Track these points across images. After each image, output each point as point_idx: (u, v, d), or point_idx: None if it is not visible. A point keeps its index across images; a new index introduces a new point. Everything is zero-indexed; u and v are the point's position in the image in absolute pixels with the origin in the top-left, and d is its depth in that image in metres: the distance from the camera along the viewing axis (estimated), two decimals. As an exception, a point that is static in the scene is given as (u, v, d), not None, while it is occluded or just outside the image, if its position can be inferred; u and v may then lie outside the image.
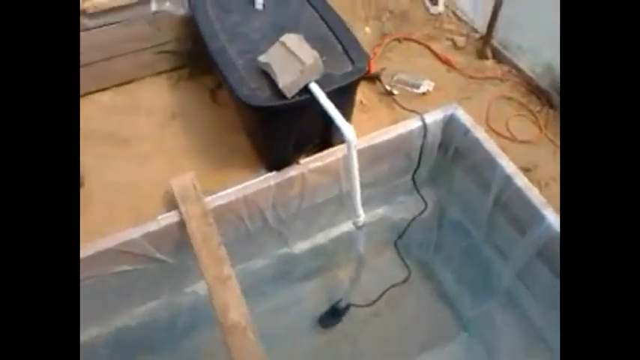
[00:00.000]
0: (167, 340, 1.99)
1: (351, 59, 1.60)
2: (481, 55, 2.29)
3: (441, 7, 2.52)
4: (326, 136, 1.76)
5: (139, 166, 1.92)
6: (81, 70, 1.98)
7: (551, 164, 1.92)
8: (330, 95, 1.53)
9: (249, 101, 1.48)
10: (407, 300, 2.25)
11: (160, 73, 2.18)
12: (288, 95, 1.47)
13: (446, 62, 2.27)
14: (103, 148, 1.96)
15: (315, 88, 1.48)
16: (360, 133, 1.99)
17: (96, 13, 1.86)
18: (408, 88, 2.16)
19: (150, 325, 1.90)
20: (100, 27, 1.91)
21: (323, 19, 1.76)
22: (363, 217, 1.60)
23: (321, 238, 2.13)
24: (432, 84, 2.17)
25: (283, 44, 1.52)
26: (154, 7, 1.94)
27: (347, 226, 2.10)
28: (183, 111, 2.08)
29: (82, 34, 1.89)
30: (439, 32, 2.44)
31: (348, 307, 2.12)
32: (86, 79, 2.04)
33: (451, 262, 2.21)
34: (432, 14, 2.51)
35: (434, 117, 1.88)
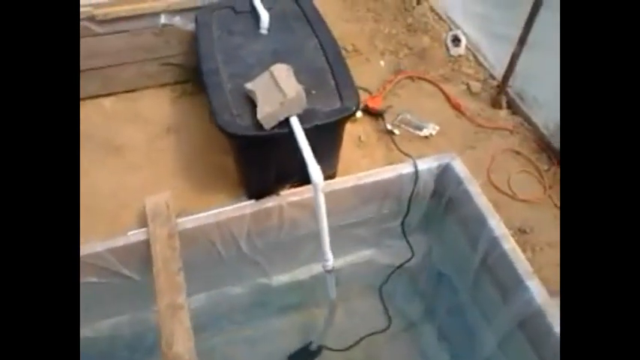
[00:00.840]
0: (130, 358, 1.94)
1: (341, 97, 1.54)
2: (495, 104, 2.19)
3: (462, 50, 2.43)
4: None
5: (126, 175, 1.91)
6: (87, 73, 2.02)
7: (550, 228, 1.79)
8: (313, 131, 1.48)
9: (226, 128, 1.44)
10: (384, 351, 2.13)
11: (164, 84, 2.18)
12: (266, 127, 1.42)
13: (456, 107, 2.18)
14: (96, 152, 1.97)
15: (294, 122, 1.43)
16: (352, 170, 1.94)
17: (106, 21, 1.89)
18: (411, 130, 2.08)
19: (113, 340, 1.86)
20: (109, 34, 1.93)
21: (324, 51, 1.71)
22: (331, 260, 1.52)
23: (301, 273, 2.05)
24: (437, 128, 2.08)
25: (271, 73, 1.48)
26: (163, 19, 1.95)
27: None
28: (179, 126, 2.07)
29: (90, 39, 1.91)
30: (456, 75, 2.35)
31: (320, 349, 2.02)
32: (91, 83, 2.07)
33: (435, 318, 2.08)
34: (451, 55, 2.43)
35: (428, 164, 1.79)
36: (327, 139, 1.60)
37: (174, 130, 2.05)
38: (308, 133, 1.47)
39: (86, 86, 2.07)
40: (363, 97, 2.20)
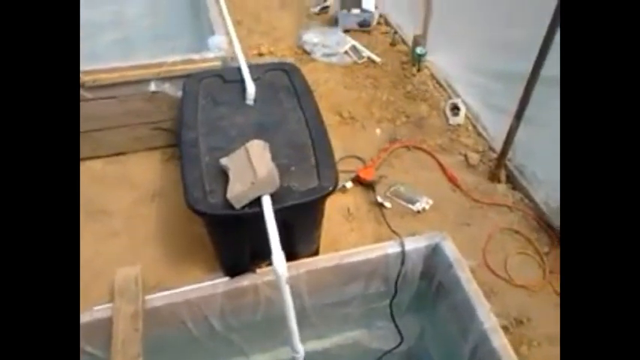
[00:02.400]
0: None
1: (319, 176, 1.48)
2: (493, 178, 2.09)
3: (461, 119, 2.38)
4: (289, 247, 1.61)
5: (104, 242, 1.85)
6: (75, 137, 2.01)
7: (549, 319, 1.64)
8: (288, 210, 1.40)
9: (194, 205, 1.38)
10: None
11: (154, 148, 2.16)
12: (236, 206, 1.36)
13: (451, 180, 2.09)
14: (90, 224, 1.92)
15: (265, 202, 1.35)
16: (339, 244, 1.85)
17: (95, 87, 1.89)
18: (403, 203, 1.99)
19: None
20: (99, 99, 1.93)
21: (308, 126, 1.66)
22: (302, 353, 1.39)
23: (283, 353, 1.91)
24: (431, 202, 1.99)
25: (246, 150, 1.43)
26: (153, 87, 1.95)
27: (313, 345, 1.89)
28: (165, 191, 2.02)
29: (80, 104, 1.91)
30: (454, 145, 2.28)
31: None
32: (81, 146, 2.06)
33: (425, 410, 1.90)
34: (450, 125, 2.37)
35: (416, 244, 1.68)
36: (304, 217, 1.52)
37: (159, 195, 2.00)
38: (283, 211, 1.40)
39: (75, 149, 2.06)
40: (356, 166, 2.15)
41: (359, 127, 2.37)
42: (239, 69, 1.88)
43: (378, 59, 2.73)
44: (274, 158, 1.50)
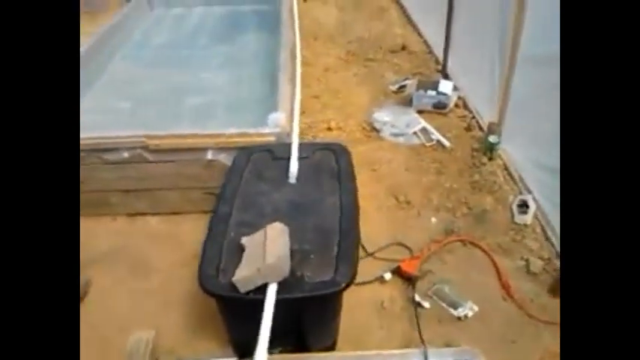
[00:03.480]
0: None
1: (336, 269, 1.40)
2: (555, 291, 1.83)
3: (529, 218, 2.15)
4: (302, 337, 1.53)
5: (136, 301, 1.91)
6: (138, 193, 2.17)
7: None
8: (296, 301, 1.33)
9: (202, 282, 1.37)
10: None
11: (207, 211, 2.23)
12: (241, 290, 1.32)
13: (505, 287, 1.87)
14: (120, 271, 2.02)
15: (270, 291, 1.30)
16: (363, 340, 1.72)
17: (157, 151, 2.04)
18: (445, 305, 1.81)
19: None
20: (159, 162, 2.07)
21: (341, 213, 1.61)
22: None
23: None
24: (476, 309, 1.79)
25: (265, 233, 1.41)
26: (209, 155, 2.05)
27: None
28: (205, 255, 2.06)
29: (142, 164, 2.07)
30: (516, 247, 2.05)
31: None
32: (141, 202, 2.21)
33: None
34: (515, 223, 2.16)
35: (440, 358, 1.49)
36: (316, 310, 1.43)
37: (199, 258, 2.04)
38: (291, 302, 1.33)
39: (136, 204, 2.22)
40: (403, 255, 2.02)
41: (414, 214, 2.25)
42: (290, 146, 1.91)
43: (447, 143, 2.63)
44: (297, 242, 1.46)
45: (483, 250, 2.04)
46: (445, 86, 2.85)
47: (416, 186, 2.39)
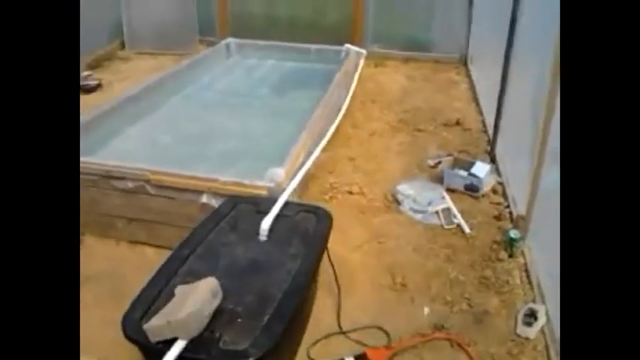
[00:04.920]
0: None
1: (255, 340, 1.30)
2: None
3: (533, 332, 1.87)
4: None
5: (103, 326, 1.90)
6: (138, 223, 2.26)
7: None
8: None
9: (123, 322, 1.36)
10: None
11: (198, 253, 2.25)
12: (151, 339, 1.28)
13: (476, 406, 1.61)
14: (102, 293, 2.07)
15: (175, 347, 1.24)
16: None
17: (157, 186, 2.11)
18: (400, 410, 1.60)
19: None
20: (159, 197, 2.15)
21: (292, 281, 1.52)
22: None
23: None
24: None
25: (196, 286, 1.37)
26: (204, 199, 2.08)
27: None
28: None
29: (144, 196, 2.16)
30: (510, 360, 1.78)
31: None
32: (140, 231, 2.29)
33: None
34: (517, 335, 1.89)
35: None
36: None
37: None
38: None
39: (138, 233, 2.30)
40: (378, 341, 1.85)
41: (406, 299, 2.06)
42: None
43: (467, 230, 2.42)
44: (233, 303, 1.42)
45: (470, 358, 1.80)
46: (479, 169, 2.67)
47: (418, 269, 2.21)
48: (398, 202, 2.65)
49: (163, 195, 2.14)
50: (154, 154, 2.75)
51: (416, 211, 2.55)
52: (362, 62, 4.31)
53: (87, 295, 2.04)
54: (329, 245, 2.23)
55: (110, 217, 2.28)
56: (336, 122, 3.10)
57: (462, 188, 2.70)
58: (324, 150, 3.04)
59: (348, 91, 3.71)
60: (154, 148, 2.85)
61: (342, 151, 3.19)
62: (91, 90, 3.96)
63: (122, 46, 5.00)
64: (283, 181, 2.08)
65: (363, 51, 4.36)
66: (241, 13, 5.20)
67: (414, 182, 2.79)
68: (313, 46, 4.39)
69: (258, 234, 1.75)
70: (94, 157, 2.41)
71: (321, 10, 5.11)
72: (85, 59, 4.45)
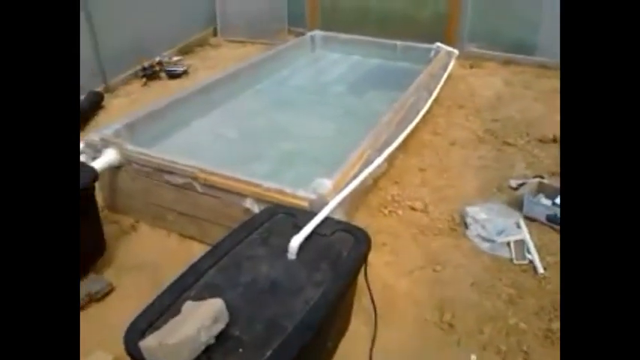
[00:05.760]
0: None
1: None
2: None
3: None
4: None
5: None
6: (189, 218, 2.25)
7: None
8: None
9: (127, 331, 1.31)
10: None
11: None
12: (146, 358, 1.21)
13: None
14: (144, 286, 2.08)
15: (163, 374, 1.16)
16: None
17: (205, 185, 2.07)
18: None
19: None
20: (206, 195, 2.10)
21: (309, 312, 1.37)
22: None
23: None
24: None
25: (200, 305, 1.28)
26: (247, 203, 2.00)
27: None
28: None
29: (192, 193, 2.13)
30: None
31: None
32: (191, 227, 2.28)
33: None
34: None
35: None
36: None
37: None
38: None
39: (188, 228, 2.30)
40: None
41: (452, 341, 1.82)
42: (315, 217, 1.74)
43: (541, 269, 2.08)
44: (240, 329, 1.31)
45: None
46: (566, 199, 2.28)
47: (473, 308, 1.94)
48: (465, 226, 2.37)
49: (210, 194, 2.09)
50: (215, 149, 2.73)
51: (484, 239, 2.25)
52: (452, 63, 3.97)
53: (128, 284, 2.08)
54: (373, 266, 2.07)
55: (162, 208, 2.30)
56: (409, 129, 2.85)
57: (543, 219, 2.34)
58: (393, 157, 2.83)
59: (430, 94, 3.42)
60: (216, 142, 2.83)
61: (414, 161, 2.95)
62: (177, 76, 4.09)
63: (215, 33, 5.13)
64: (329, 194, 1.93)
65: (455, 51, 4.02)
66: (332, 5, 5.06)
67: (488, 205, 2.48)
68: (400, 43, 4.13)
69: (287, 251, 1.62)
70: (155, 147, 2.44)
71: (416, 3, 4.80)
72: (178, 45, 4.63)
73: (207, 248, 2.23)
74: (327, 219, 1.77)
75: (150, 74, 4.03)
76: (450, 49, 4.02)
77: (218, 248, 1.65)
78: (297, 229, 1.71)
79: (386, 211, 2.48)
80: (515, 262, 2.14)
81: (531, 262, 2.13)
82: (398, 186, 2.69)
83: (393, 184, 2.69)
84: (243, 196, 2.00)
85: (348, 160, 2.18)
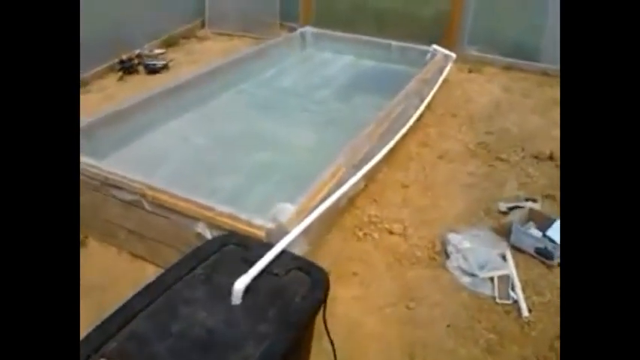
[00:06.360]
0: None
1: None
2: None
3: None
4: None
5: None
6: (138, 236, 2.05)
7: None
8: None
9: None
10: None
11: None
12: None
13: None
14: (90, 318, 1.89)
15: None
16: None
17: (153, 203, 1.86)
18: None
19: None
20: (155, 214, 1.90)
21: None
22: None
23: None
24: None
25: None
26: (198, 228, 1.79)
27: None
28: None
29: (141, 211, 1.93)
30: None
31: None
32: (140, 246, 2.08)
33: None
34: None
35: None
36: None
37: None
38: None
39: (138, 247, 2.09)
40: None
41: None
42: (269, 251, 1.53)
43: (526, 312, 1.87)
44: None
45: None
46: (557, 231, 2.07)
47: (447, 355, 1.73)
48: (446, 255, 2.16)
49: (159, 214, 1.88)
50: (180, 159, 2.51)
51: (464, 272, 2.04)
52: (449, 67, 3.73)
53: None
54: (340, 300, 1.87)
55: (112, 224, 2.09)
56: (394, 141, 2.63)
57: (531, 251, 2.12)
58: (376, 171, 2.62)
59: (422, 102, 3.19)
60: (183, 150, 2.61)
61: (398, 175, 2.73)
62: (156, 70, 3.86)
63: (203, 24, 4.89)
64: (291, 222, 1.71)
65: (452, 54, 3.78)
66: (327, 0, 4.81)
67: (472, 231, 2.26)
68: (395, 44, 3.89)
69: (231, 293, 1.41)
70: (114, 155, 2.24)
71: (415, 2, 4.54)
72: (162, 36, 4.39)
73: (159, 270, 2.05)
74: (283, 253, 1.56)
75: (127, 68, 3.80)
76: (447, 52, 3.78)
77: (154, 286, 1.44)
78: (248, 265, 1.50)
79: (361, 234, 2.27)
80: (497, 301, 1.93)
81: (515, 302, 1.92)
82: (377, 205, 2.47)
83: (372, 203, 2.48)
84: (194, 219, 1.79)
85: (318, 180, 1.97)
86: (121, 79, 3.74)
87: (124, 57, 3.83)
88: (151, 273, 2.10)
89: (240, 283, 1.39)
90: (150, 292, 1.42)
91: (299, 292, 1.43)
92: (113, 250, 2.17)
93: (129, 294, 1.86)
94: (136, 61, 3.87)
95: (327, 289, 1.47)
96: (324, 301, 1.44)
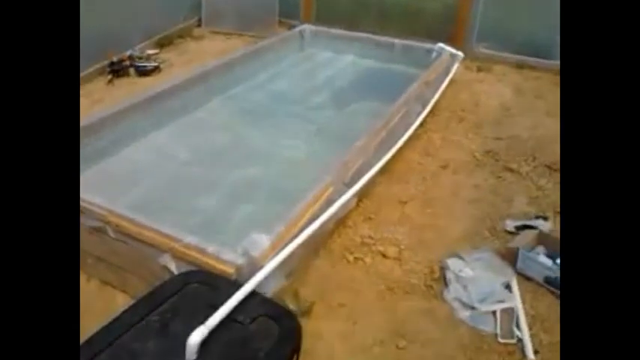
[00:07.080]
0: None
1: None
2: None
3: None
4: None
5: None
6: (107, 264, 1.89)
7: None
8: None
9: None
10: None
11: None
12: None
13: None
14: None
15: None
16: None
17: (116, 231, 1.70)
18: None
19: None
20: (119, 242, 1.74)
21: None
22: None
23: None
24: None
25: None
26: (163, 259, 1.62)
27: None
28: None
29: (106, 237, 1.77)
30: None
31: None
32: (110, 274, 1.93)
33: None
34: None
35: None
36: None
37: None
38: None
39: (107, 274, 1.94)
40: None
41: None
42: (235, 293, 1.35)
43: (531, 355, 1.66)
44: None
45: None
46: (570, 261, 1.85)
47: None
48: (444, 283, 1.96)
49: (124, 241, 1.72)
50: (159, 175, 2.33)
51: (464, 305, 1.84)
52: (456, 67, 3.50)
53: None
54: (324, 338, 1.69)
55: (80, 250, 1.93)
56: (391, 153, 2.43)
57: (540, 279, 1.91)
58: (373, 184, 2.42)
59: (424, 107, 2.98)
60: (164, 163, 2.43)
61: (396, 189, 2.52)
62: (147, 73, 3.69)
63: (199, 23, 4.71)
64: (264, 256, 1.53)
65: (460, 53, 3.54)
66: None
67: (475, 255, 2.05)
68: (398, 42, 3.67)
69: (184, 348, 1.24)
70: (86, 171, 2.08)
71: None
72: (156, 36, 4.22)
73: (128, 300, 1.89)
74: (252, 294, 1.38)
75: (118, 70, 3.64)
76: (454, 51, 3.55)
77: (98, 337, 1.28)
78: (211, 309, 1.33)
79: (351, 258, 2.07)
80: (500, 339, 1.72)
81: (520, 340, 1.72)
82: (371, 223, 2.27)
83: (366, 221, 2.28)
84: (160, 249, 1.62)
85: (301, 203, 1.78)
86: (110, 82, 3.58)
87: (115, 59, 3.66)
88: (120, 301, 1.94)
89: (196, 336, 1.22)
90: (94, 344, 1.25)
91: (264, 345, 1.25)
92: (82, 276, 2.01)
93: (97, 324, 1.72)
94: (127, 63, 3.71)
95: (298, 341, 1.29)
96: (293, 356, 1.26)
